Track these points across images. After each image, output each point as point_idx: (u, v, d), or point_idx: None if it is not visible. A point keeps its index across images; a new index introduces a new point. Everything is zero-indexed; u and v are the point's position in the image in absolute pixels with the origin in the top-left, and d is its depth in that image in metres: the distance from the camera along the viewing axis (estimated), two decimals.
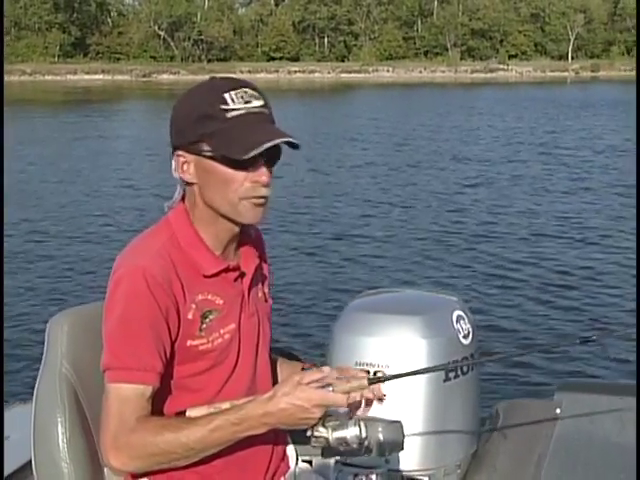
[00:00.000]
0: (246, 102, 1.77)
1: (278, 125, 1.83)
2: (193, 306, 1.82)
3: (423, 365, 2.50)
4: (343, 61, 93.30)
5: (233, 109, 1.76)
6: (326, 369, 1.76)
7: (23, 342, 7.05)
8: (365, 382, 1.77)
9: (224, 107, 1.76)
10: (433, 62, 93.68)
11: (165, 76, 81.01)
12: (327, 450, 1.90)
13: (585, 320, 7.65)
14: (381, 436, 2.10)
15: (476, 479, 2.57)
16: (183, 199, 1.91)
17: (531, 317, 7.88)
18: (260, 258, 2.01)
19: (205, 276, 1.85)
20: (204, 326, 1.83)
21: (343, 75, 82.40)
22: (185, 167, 1.83)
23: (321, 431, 1.81)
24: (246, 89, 1.79)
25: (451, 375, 2.51)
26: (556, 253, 10.39)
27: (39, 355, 2.02)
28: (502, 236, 11.45)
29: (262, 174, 1.78)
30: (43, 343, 1.99)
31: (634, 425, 2.54)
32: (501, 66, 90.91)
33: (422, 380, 2.49)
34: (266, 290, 2.06)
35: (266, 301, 2.05)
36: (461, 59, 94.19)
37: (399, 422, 2.17)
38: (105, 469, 1.97)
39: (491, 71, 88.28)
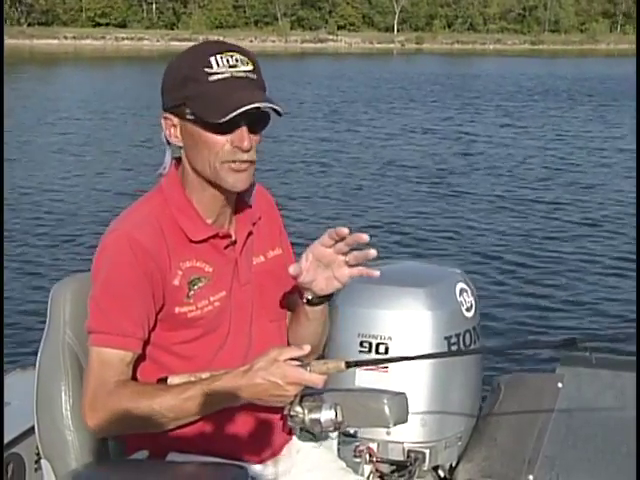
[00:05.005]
0: (231, 66, 1.76)
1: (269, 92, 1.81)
2: (179, 272, 1.81)
3: (427, 337, 2.50)
4: (172, 29, 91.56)
5: (216, 72, 1.75)
6: (306, 347, 1.73)
7: (26, 309, 6.92)
8: (343, 365, 1.75)
9: (208, 70, 1.75)
10: (263, 31, 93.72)
11: None
12: (303, 431, 1.90)
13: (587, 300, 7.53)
14: (386, 408, 2.07)
15: (477, 452, 2.60)
16: (178, 163, 1.89)
17: (532, 290, 7.71)
18: (255, 224, 1.95)
19: (192, 242, 1.83)
20: (191, 293, 1.81)
21: (173, 43, 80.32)
22: (172, 130, 1.82)
23: (297, 410, 1.81)
24: (234, 53, 1.78)
25: (454, 349, 2.53)
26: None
27: (42, 322, 2.02)
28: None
29: (243, 138, 1.76)
30: (46, 310, 1.99)
31: (634, 399, 2.57)
32: (330, 37, 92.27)
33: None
34: (273, 254, 1.98)
35: (269, 267, 1.95)
36: (291, 29, 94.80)
37: (404, 394, 2.14)
38: None
39: (321, 41, 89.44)
